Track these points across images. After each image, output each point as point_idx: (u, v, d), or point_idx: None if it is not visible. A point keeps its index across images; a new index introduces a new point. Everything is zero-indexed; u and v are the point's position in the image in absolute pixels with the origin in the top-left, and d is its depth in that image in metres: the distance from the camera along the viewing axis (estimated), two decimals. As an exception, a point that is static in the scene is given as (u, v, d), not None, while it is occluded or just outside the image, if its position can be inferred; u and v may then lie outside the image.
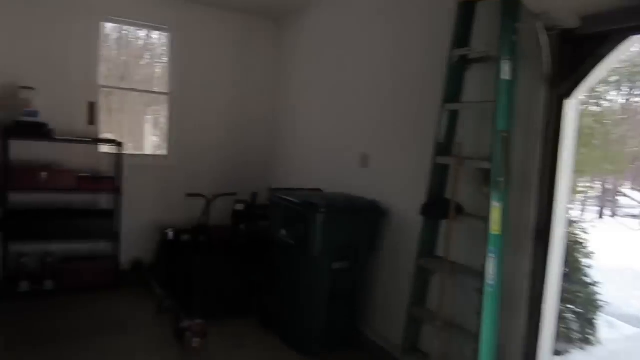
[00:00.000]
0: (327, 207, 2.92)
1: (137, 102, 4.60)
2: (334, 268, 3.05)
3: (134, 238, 4.36)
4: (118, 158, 4.00)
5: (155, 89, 4.69)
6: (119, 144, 3.99)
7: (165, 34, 4.55)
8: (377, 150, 3.34)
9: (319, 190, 3.71)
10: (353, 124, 3.64)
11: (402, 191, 3.05)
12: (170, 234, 4.26)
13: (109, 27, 4.35)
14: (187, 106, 4.60)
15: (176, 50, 4.53)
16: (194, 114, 4.64)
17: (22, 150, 3.78)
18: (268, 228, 3.54)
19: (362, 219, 3.11)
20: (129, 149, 4.42)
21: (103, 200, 4.21)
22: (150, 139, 4.77)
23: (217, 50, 4.71)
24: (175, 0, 4.42)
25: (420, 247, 2.63)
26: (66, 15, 3.99)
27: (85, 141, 3.90)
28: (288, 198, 3.19)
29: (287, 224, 3.17)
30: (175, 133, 4.60)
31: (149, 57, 4.62)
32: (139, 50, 4.56)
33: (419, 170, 2.73)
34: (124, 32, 4.52)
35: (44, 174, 3.66)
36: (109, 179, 3.95)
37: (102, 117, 4.31)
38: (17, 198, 3.77)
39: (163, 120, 4.65)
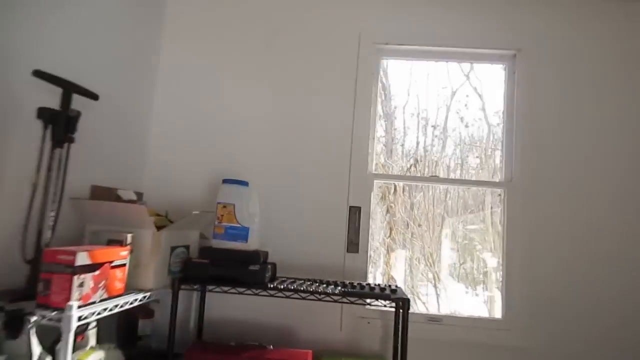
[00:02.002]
0: None
1: (443, 208, 2.28)
2: None
3: None
4: (400, 325, 1.58)
5: (478, 177, 2.30)
6: (403, 301, 1.61)
7: (501, 65, 2.23)
8: None
9: None
10: None
11: None
12: None
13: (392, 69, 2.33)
14: (543, 214, 1.98)
15: (518, 93, 2.11)
16: (556, 231, 1.96)
17: (215, 301, 1.92)
18: None
19: None
20: (422, 304, 2.08)
21: None
22: (470, 283, 2.26)
23: (597, 88, 2.06)
24: (524, 5, 2.12)
25: None
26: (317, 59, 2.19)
27: (327, 293, 1.67)
28: None
29: None
30: (516, 270, 1.98)
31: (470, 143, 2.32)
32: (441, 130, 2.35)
33: None
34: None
35: (247, 357, 1.59)
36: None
37: (377, 236, 2.17)
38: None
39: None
